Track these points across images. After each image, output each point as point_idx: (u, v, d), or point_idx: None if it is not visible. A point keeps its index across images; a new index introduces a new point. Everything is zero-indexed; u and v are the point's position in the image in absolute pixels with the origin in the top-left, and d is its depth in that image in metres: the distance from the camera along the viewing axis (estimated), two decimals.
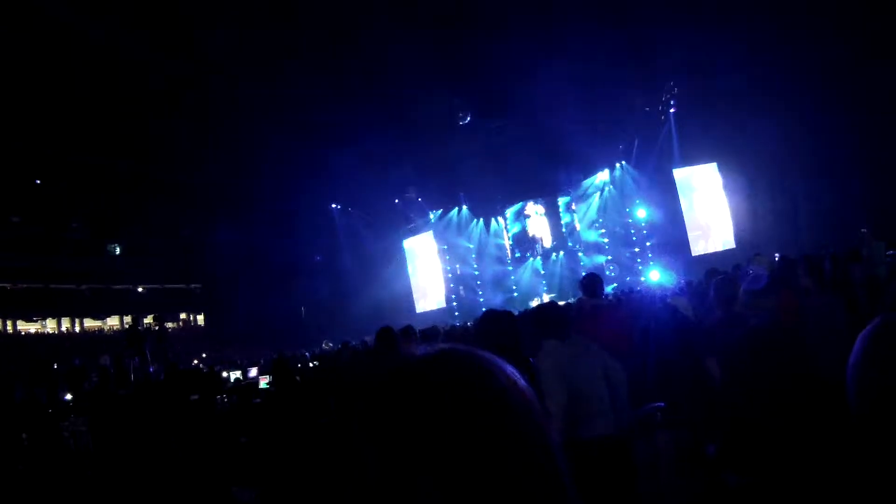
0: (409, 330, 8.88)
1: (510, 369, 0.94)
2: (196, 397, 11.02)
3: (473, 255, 38.85)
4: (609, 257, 34.07)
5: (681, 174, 31.92)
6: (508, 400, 0.89)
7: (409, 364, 0.93)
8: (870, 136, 24.28)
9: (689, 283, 15.79)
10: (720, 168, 31.31)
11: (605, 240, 34.60)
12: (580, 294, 7.33)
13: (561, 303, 12.90)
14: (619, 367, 5.01)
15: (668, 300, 7.59)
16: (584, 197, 35.65)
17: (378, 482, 0.83)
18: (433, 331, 11.67)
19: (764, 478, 3.44)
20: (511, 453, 0.84)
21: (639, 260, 33.06)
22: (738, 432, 3.70)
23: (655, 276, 30.66)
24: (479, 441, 0.82)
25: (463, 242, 39.09)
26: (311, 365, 17.46)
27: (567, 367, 4.83)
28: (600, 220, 34.87)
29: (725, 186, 31.18)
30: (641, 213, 32.90)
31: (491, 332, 5.12)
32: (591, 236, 35.33)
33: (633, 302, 11.61)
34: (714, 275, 9.68)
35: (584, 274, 7.89)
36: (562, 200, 36.36)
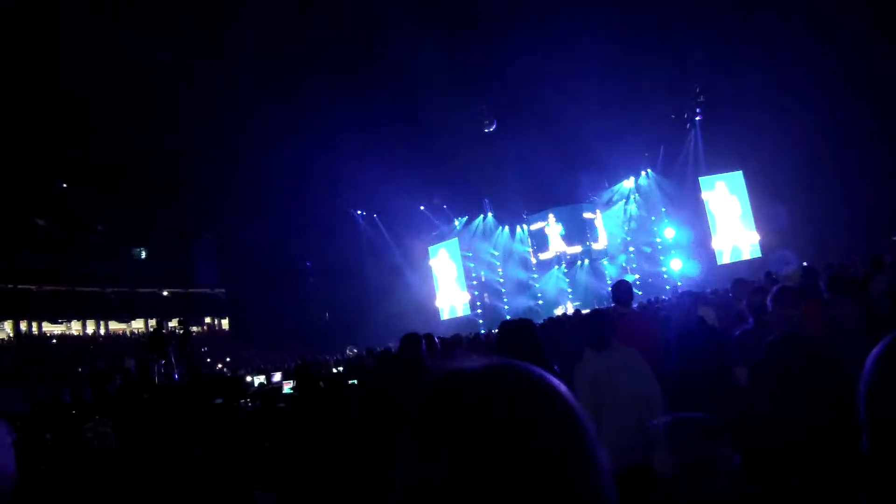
0: (430, 338, 8.83)
1: (557, 382, 0.92)
2: (220, 401, 11.04)
3: (498, 263, 38.82)
4: (634, 266, 33.95)
5: (706, 182, 31.68)
6: (571, 420, 0.87)
7: (468, 375, 0.91)
8: None
9: (714, 293, 15.68)
10: (746, 176, 31.09)
11: (631, 248, 34.47)
12: (604, 303, 7.29)
13: (585, 311, 12.84)
14: (658, 389, 4.96)
15: (698, 311, 7.52)
16: (610, 204, 35.52)
17: (432, 490, 0.81)
18: (456, 339, 11.61)
19: (788, 487, 3.39)
20: (571, 476, 0.82)
21: (662, 257, 32.94)
22: (764, 442, 3.65)
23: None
24: (541, 460, 0.80)
25: (488, 250, 39.07)
26: (334, 370, 17.46)
27: (597, 378, 4.80)
28: (626, 229, 34.76)
29: (752, 194, 30.95)
30: (669, 232, 32.67)
31: (509, 343, 5.08)
32: (617, 247, 35.24)
33: (660, 311, 11.52)
34: (740, 284, 9.61)
35: (609, 282, 7.89)
36: (587, 208, 36.17)
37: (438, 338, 8.15)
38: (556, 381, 0.92)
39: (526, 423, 0.82)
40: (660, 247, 33.34)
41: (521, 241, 38.19)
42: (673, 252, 32.31)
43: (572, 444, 0.85)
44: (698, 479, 2.63)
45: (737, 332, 6.19)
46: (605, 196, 35.69)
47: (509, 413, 0.83)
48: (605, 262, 35.33)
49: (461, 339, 12.51)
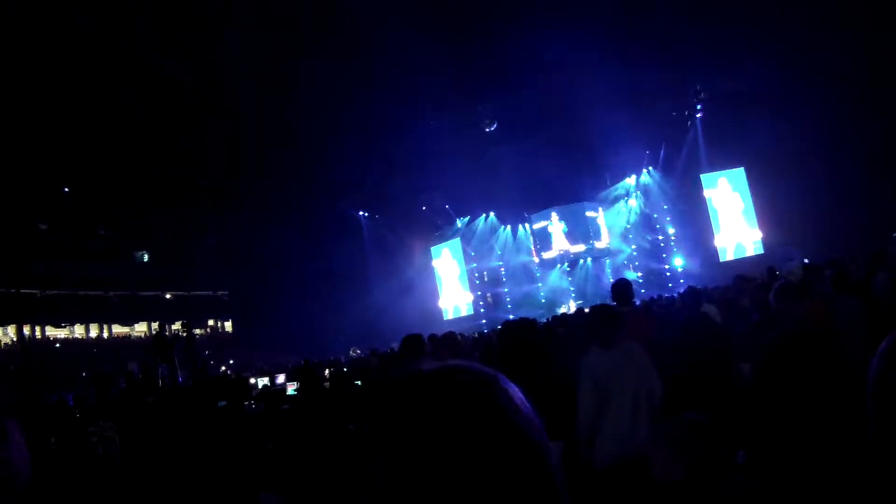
0: (433, 338, 8.83)
1: (512, 389, 0.92)
2: (224, 404, 11.05)
3: (501, 263, 38.79)
4: (637, 264, 33.93)
5: (708, 179, 31.66)
6: (504, 418, 0.87)
7: (411, 378, 0.92)
8: None
9: (717, 290, 15.67)
10: (748, 172, 31.07)
11: (633, 246, 34.46)
12: (606, 301, 7.29)
13: (586, 309, 12.83)
14: (660, 385, 4.97)
15: (702, 308, 7.51)
16: (612, 202, 35.50)
17: (379, 487, 0.83)
18: (448, 336, 11.58)
19: (792, 483, 3.39)
20: (502, 471, 0.82)
21: (664, 255, 32.96)
22: (768, 438, 3.65)
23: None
24: (471, 456, 0.81)
25: (490, 249, 39.05)
26: (326, 372, 17.45)
27: (602, 374, 4.81)
28: (628, 227, 34.76)
29: (753, 191, 30.93)
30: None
31: (511, 342, 5.09)
32: (619, 245, 35.22)
33: (662, 308, 11.52)
34: (742, 281, 9.61)
35: (612, 280, 7.89)
36: (589, 206, 36.12)
37: (430, 336, 8.15)
38: (499, 380, 0.92)
39: (455, 431, 0.83)
40: (661, 244, 33.34)
41: (524, 240, 38.15)
42: (675, 251, 32.35)
43: (507, 438, 0.84)
44: (702, 479, 2.63)
45: (741, 329, 6.20)
46: (608, 194, 35.67)
47: (438, 419, 0.84)
48: (607, 260, 35.28)
49: (454, 337, 12.47)
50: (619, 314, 5.43)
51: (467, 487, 0.79)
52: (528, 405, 0.92)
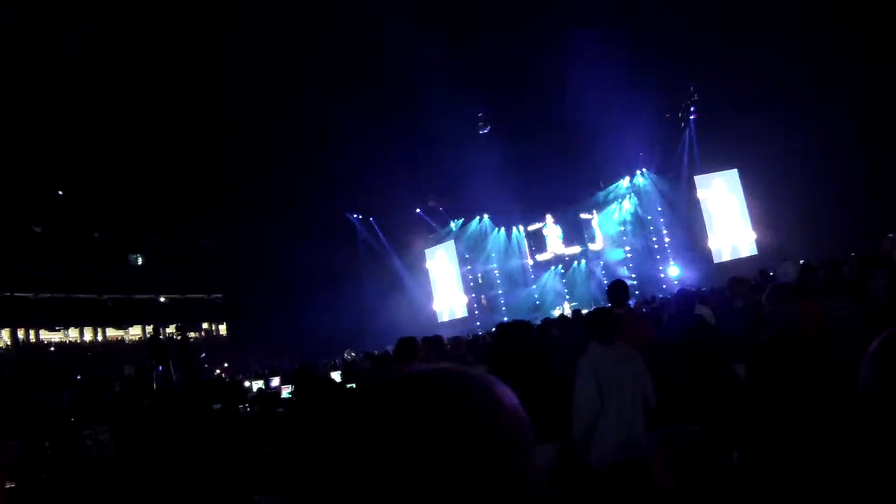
0: (427, 340, 8.83)
1: (503, 390, 0.93)
2: (218, 407, 11.03)
3: (495, 265, 38.77)
4: (631, 265, 33.91)
5: (702, 180, 31.69)
6: (486, 421, 0.87)
7: (395, 380, 0.93)
8: (894, 140, 24.06)
9: (711, 291, 15.67)
10: (741, 174, 31.12)
11: (627, 247, 34.44)
12: (601, 304, 7.32)
13: (584, 311, 12.86)
14: (653, 390, 5.01)
15: (696, 309, 7.53)
16: (605, 204, 35.48)
17: (354, 489, 0.84)
18: (436, 339, 11.60)
19: (785, 485, 3.40)
20: (488, 472, 0.83)
21: (658, 256, 32.94)
22: (761, 439, 3.66)
23: (675, 271, 30.62)
24: (449, 459, 0.82)
25: (484, 251, 39.03)
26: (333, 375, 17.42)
27: (603, 372, 4.83)
28: (622, 229, 34.74)
29: (747, 192, 30.98)
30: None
31: (506, 345, 5.11)
32: (613, 247, 35.19)
33: (657, 310, 11.53)
34: (736, 282, 9.62)
35: (606, 283, 7.91)
36: (583, 208, 36.10)
37: (422, 339, 8.16)
38: (489, 383, 0.93)
39: (438, 422, 0.84)
40: (655, 246, 33.33)
41: (518, 242, 38.13)
42: (671, 258, 32.34)
43: (488, 441, 0.85)
44: (694, 489, 2.64)
45: (735, 330, 6.22)
46: (601, 196, 35.64)
47: (426, 421, 0.84)
48: (601, 262, 35.26)
49: (441, 340, 12.47)
50: (617, 315, 5.46)
51: (453, 486, 0.80)
52: (518, 406, 0.93)
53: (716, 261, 30.95)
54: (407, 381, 0.92)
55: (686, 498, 2.61)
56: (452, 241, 39.74)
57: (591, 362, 4.93)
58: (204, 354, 39.54)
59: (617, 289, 7.07)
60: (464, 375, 0.93)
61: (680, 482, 2.66)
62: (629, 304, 8.06)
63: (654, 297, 20.26)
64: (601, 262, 35.26)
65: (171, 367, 19.18)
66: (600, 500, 4.84)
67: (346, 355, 28.16)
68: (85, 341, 46.35)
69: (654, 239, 33.46)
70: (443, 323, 38.20)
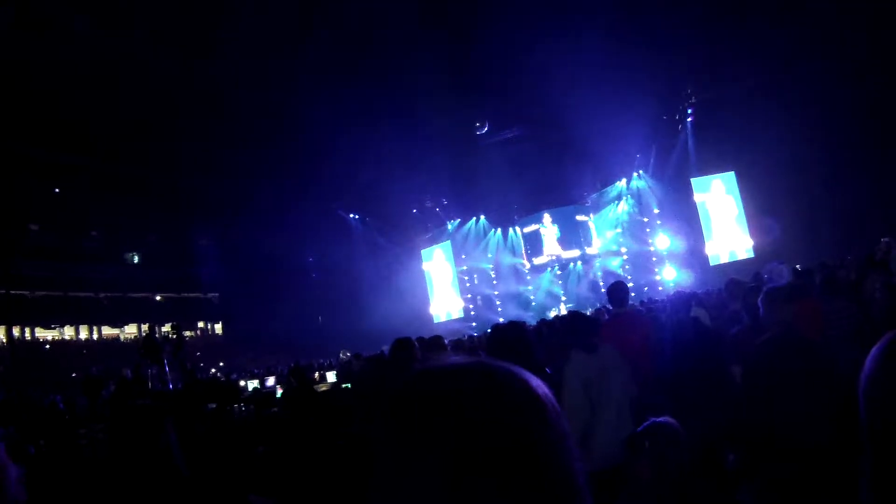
0: (423, 340, 8.79)
1: (545, 389, 0.93)
2: (213, 406, 11.01)
3: (491, 266, 38.74)
4: (627, 267, 33.91)
5: (698, 183, 31.67)
6: (545, 418, 0.87)
7: (443, 369, 0.91)
8: (891, 143, 24.08)
9: (707, 294, 15.65)
10: (738, 176, 31.12)
11: (623, 249, 34.44)
12: (598, 305, 7.33)
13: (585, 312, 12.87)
14: (635, 390, 5.01)
15: (692, 312, 7.52)
16: (602, 206, 35.48)
17: (395, 488, 0.82)
18: (436, 340, 11.56)
19: (782, 486, 3.39)
20: (539, 475, 0.82)
21: (654, 259, 32.96)
22: (756, 443, 3.65)
23: (671, 273, 30.58)
24: (510, 458, 0.81)
25: (481, 252, 39.00)
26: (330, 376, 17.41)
27: (588, 380, 4.81)
28: (618, 231, 34.74)
29: (743, 195, 30.98)
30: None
31: (501, 346, 5.10)
32: (610, 249, 35.20)
33: (655, 311, 11.53)
34: (734, 285, 9.62)
35: (602, 284, 7.92)
36: (580, 210, 36.11)
37: (417, 339, 8.14)
38: (536, 380, 0.93)
39: (500, 416, 0.83)
40: (653, 248, 33.33)
41: (514, 243, 38.12)
42: (667, 261, 32.34)
43: (544, 439, 0.85)
44: (673, 482, 2.64)
45: (733, 332, 6.22)
46: (598, 198, 35.64)
47: (475, 406, 0.83)
48: (597, 263, 35.24)
49: (441, 340, 12.42)
50: (596, 320, 5.46)
51: (496, 472, 0.79)
52: (552, 397, 0.94)
53: (712, 263, 30.91)
54: (447, 371, 0.92)
55: (665, 490, 2.62)
56: (449, 241, 39.71)
57: (576, 372, 4.91)
58: (199, 353, 39.53)
59: (618, 289, 7.09)
60: (501, 365, 0.95)
61: (653, 474, 2.66)
62: (630, 305, 8.07)
63: (650, 299, 20.27)
64: (597, 263, 35.24)
65: (166, 366, 19.16)
66: (597, 500, 4.82)
67: (341, 355, 28.17)
68: (80, 339, 46.29)
69: (651, 241, 33.45)
70: (439, 323, 38.16)
